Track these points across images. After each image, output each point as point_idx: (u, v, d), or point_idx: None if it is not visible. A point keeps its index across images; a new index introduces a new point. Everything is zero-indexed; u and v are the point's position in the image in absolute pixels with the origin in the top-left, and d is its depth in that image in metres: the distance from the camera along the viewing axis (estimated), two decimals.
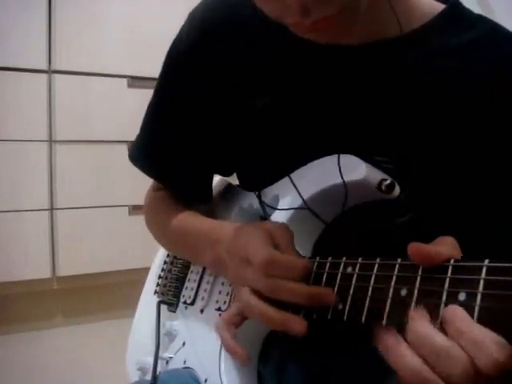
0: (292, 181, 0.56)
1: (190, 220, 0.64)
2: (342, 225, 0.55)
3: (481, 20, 0.54)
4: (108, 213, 1.87)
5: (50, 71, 1.76)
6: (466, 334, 0.31)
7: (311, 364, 0.59)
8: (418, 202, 0.51)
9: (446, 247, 0.37)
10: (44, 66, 1.75)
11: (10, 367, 1.52)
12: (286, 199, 0.57)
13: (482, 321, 0.32)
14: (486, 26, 0.53)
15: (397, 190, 0.51)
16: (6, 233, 1.71)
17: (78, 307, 1.88)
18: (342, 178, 0.51)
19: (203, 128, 0.62)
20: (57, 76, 1.77)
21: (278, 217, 0.57)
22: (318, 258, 0.48)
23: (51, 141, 1.78)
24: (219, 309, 0.61)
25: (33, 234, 1.75)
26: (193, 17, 0.61)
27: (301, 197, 0.54)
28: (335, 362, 0.58)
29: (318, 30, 0.46)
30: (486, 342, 0.30)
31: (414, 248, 0.36)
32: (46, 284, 1.79)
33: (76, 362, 1.56)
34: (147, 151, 0.69)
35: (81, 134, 1.81)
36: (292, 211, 0.56)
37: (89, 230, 1.83)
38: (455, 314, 0.32)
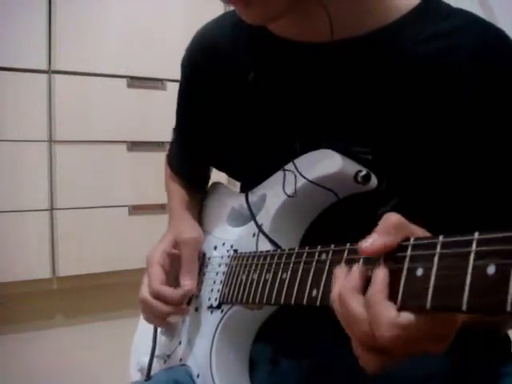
0: (284, 173, 0.57)
1: (175, 195, 0.78)
2: (327, 218, 0.57)
3: (456, 11, 0.54)
4: (108, 213, 1.87)
5: (50, 71, 1.76)
6: (372, 307, 0.36)
7: (304, 361, 0.60)
8: (398, 191, 0.52)
9: (383, 235, 0.38)
10: (44, 66, 1.75)
11: (10, 367, 1.52)
12: (273, 198, 0.59)
13: (436, 293, 0.33)
14: (461, 16, 0.54)
15: (373, 180, 0.52)
16: (6, 233, 1.71)
17: (78, 307, 1.88)
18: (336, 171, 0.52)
19: (205, 120, 0.69)
20: (57, 76, 1.77)
21: (266, 213, 0.59)
22: (296, 249, 0.50)
23: (51, 141, 1.78)
24: (211, 306, 0.63)
25: (33, 234, 1.75)
26: (195, 35, 0.70)
27: (302, 176, 0.56)
28: (327, 359, 0.58)
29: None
30: (383, 320, 0.35)
31: (363, 250, 0.38)
32: (46, 284, 1.79)
33: (76, 362, 1.56)
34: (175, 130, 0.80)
35: (81, 134, 1.81)
36: (276, 210, 0.58)
37: (89, 230, 1.83)
38: (377, 277, 0.37)
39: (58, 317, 1.88)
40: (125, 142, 1.88)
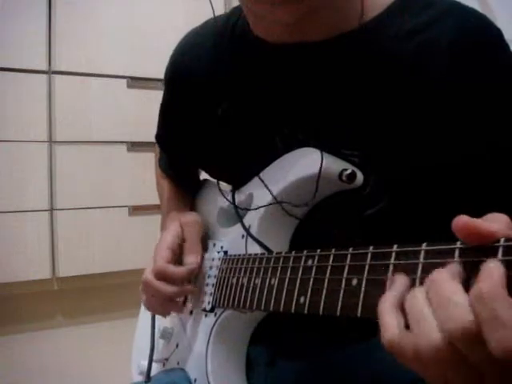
0: (261, 179, 0.57)
1: (165, 191, 0.79)
2: (315, 219, 0.56)
3: (435, 0, 0.53)
4: (108, 213, 1.87)
5: (50, 71, 1.76)
6: (487, 302, 0.27)
7: (301, 363, 0.59)
8: (386, 193, 0.51)
9: (498, 225, 0.30)
10: (44, 67, 1.75)
11: (9, 367, 1.52)
12: (259, 197, 0.58)
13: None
14: (439, 5, 0.52)
15: (359, 179, 0.51)
16: (6, 233, 1.71)
17: (78, 308, 1.88)
18: (320, 168, 0.51)
19: (185, 129, 0.69)
20: (57, 76, 1.77)
21: (253, 214, 0.59)
22: (283, 253, 0.49)
23: (51, 141, 1.78)
24: (204, 309, 0.62)
25: (33, 235, 1.75)
26: (179, 44, 0.70)
27: (271, 193, 0.55)
28: (324, 361, 0.58)
29: (276, 4, 0.48)
30: (504, 319, 0.26)
31: (461, 223, 0.31)
32: (46, 285, 1.79)
33: (76, 363, 1.56)
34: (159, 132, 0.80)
35: (81, 135, 1.81)
36: (264, 211, 0.57)
37: (89, 231, 1.83)
38: (491, 275, 0.28)
39: (58, 317, 1.87)
40: (125, 142, 1.88)
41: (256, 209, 0.57)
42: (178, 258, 0.65)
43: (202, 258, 0.66)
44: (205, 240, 0.69)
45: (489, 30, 0.52)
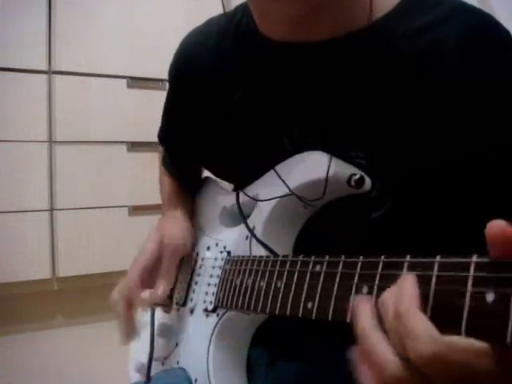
0: (277, 172, 0.56)
1: (167, 186, 0.79)
2: (321, 222, 0.56)
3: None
4: (108, 213, 1.87)
5: (50, 72, 1.76)
6: (403, 318, 0.31)
7: (301, 364, 0.59)
8: (392, 196, 0.51)
9: None
10: (44, 67, 1.75)
11: (9, 367, 1.52)
12: (265, 197, 0.58)
13: (433, 316, 0.32)
14: (447, 4, 0.52)
15: (367, 184, 0.50)
16: (6, 233, 1.71)
17: (78, 308, 1.88)
18: (328, 173, 0.51)
19: (189, 127, 0.68)
20: (57, 76, 1.77)
21: (258, 215, 0.58)
22: (290, 257, 0.49)
23: (51, 141, 1.78)
24: (206, 309, 0.62)
25: (33, 235, 1.75)
26: (182, 42, 0.70)
27: (285, 184, 0.55)
28: (325, 362, 0.58)
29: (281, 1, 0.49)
30: (418, 333, 0.29)
31: (498, 228, 0.28)
32: (46, 285, 1.79)
33: (76, 363, 1.56)
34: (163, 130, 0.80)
35: (81, 135, 1.81)
36: (269, 212, 0.57)
37: (89, 231, 1.83)
38: (407, 289, 0.32)
39: (58, 317, 1.87)
40: (125, 142, 1.88)
41: (269, 200, 0.57)
42: (151, 277, 0.66)
43: (199, 265, 0.67)
44: (196, 245, 0.69)
45: (495, 29, 0.51)
